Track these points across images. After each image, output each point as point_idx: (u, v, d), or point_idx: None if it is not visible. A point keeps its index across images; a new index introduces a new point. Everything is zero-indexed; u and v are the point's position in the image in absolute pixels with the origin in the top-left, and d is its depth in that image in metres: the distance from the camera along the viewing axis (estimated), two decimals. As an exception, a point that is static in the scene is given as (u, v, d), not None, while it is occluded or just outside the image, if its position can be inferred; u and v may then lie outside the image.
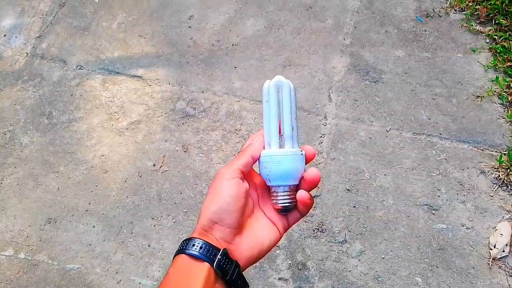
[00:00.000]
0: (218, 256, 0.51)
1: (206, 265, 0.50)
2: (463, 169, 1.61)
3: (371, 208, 1.56)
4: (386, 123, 1.73)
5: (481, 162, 1.62)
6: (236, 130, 1.75)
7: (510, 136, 1.67)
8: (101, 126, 1.79)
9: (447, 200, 1.55)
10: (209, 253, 0.50)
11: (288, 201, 0.56)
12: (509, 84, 1.77)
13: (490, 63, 1.84)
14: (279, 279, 1.45)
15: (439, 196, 1.56)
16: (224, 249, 0.52)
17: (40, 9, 2.18)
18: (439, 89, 1.80)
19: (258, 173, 0.59)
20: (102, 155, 1.72)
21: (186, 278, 0.50)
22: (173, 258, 0.52)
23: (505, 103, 1.74)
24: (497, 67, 1.83)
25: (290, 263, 1.47)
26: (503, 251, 1.44)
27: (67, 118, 1.82)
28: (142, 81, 1.91)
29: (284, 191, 0.56)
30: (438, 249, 1.47)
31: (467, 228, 1.50)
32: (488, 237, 1.48)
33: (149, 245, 1.53)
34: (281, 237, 0.58)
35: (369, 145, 1.68)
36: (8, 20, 2.15)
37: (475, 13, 2.00)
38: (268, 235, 0.57)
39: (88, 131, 1.78)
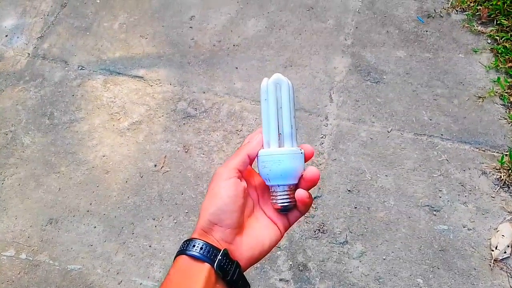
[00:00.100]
0: (219, 257, 0.50)
1: (206, 265, 0.50)
2: (464, 170, 1.61)
3: (372, 209, 1.55)
4: (387, 124, 1.73)
5: (483, 163, 1.62)
6: (237, 130, 1.75)
7: (512, 137, 1.67)
8: (103, 127, 1.79)
9: (448, 201, 1.55)
10: (210, 253, 0.50)
11: (288, 200, 0.56)
12: (511, 85, 1.77)
13: (491, 63, 1.84)
14: (280, 280, 1.45)
15: (440, 197, 1.56)
16: (225, 249, 0.51)
17: (41, 10, 2.18)
18: (440, 89, 1.80)
19: (258, 172, 0.59)
20: (103, 156, 1.72)
21: (187, 278, 0.50)
22: (174, 259, 0.52)
23: (506, 104, 1.74)
24: (498, 67, 1.82)
25: (291, 264, 1.47)
26: (505, 252, 1.43)
27: (68, 119, 1.82)
28: (144, 81, 1.91)
29: (284, 191, 0.56)
30: (440, 250, 1.47)
31: (468, 229, 1.50)
32: (490, 238, 1.47)
33: (150, 246, 1.53)
34: (282, 237, 0.58)
35: (370, 146, 1.68)
36: (10, 21, 2.15)
37: (477, 13, 1.99)
38: (269, 234, 0.56)
39: (90, 132, 1.78)
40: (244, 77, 1.89)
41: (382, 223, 1.52)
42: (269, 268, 1.47)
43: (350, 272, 1.45)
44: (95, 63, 1.98)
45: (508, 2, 1.93)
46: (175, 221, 1.57)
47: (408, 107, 1.77)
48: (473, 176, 1.59)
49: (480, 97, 1.76)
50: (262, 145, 0.57)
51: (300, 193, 0.54)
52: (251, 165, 0.60)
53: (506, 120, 1.70)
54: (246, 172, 0.59)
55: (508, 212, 1.52)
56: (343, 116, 1.76)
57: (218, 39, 2.01)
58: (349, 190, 1.59)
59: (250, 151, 0.56)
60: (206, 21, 2.08)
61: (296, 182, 0.56)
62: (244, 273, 0.54)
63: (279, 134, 0.56)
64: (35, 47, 2.05)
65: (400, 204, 1.55)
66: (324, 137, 1.71)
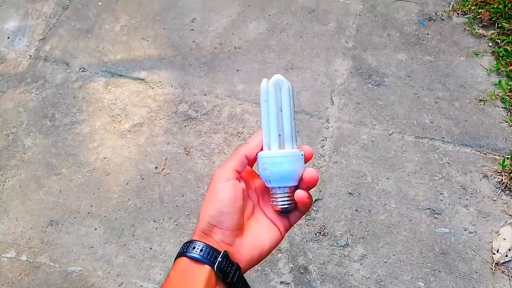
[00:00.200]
0: (219, 259, 0.50)
1: (206, 267, 0.50)
2: (465, 173, 1.60)
3: (373, 212, 1.55)
4: (388, 127, 1.73)
5: (484, 166, 1.61)
6: (238, 133, 1.75)
7: (513, 140, 1.66)
8: (104, 129, 1.80)
9: (449, 204, 1.55)
10: (210, 255, 0.50)
11: (288, 202, 0.55)
12: (512, 88, 1.77)
13: (493, 66, 1.84)
14: (281, 282, 1.45)
15: (441, 200, 1.56)
16: (225, 251, 0.51)
17: (43, 12, 2.19)
18: (441, 92, 1.80)
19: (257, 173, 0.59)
20: (105, 158, 1.72)
21: (187, 280, 0.50)
22: (174, 261, 0.52)
23: (508, 107, 1.74)
24: (500, 70, 1.82)
25: (292, 267, 1.47)
26: (506, 255, 1.43)
27: (69, 121, 1.83)
28: (145, 83, 1.91)
29: (284, 193, 0.55)
30: (441, 254, 1.46)
31: (469, 233, 1.49)
32: (491, 242, 1.47)
33: (150, 248, 1.53)
34: (282, 238, 0.58)
35: (372, 149, 1.68)
36: (12, 23, 2.16)
37: (478, 16, 1.99)
38: (269, 236, 0.56)
39: (91, 134, 1.79)
40: (245, 79, 1.89)
41: (383, 226, 1.52)
42: (269, 270, 1.47)
43: (351, 275, 1.44)
44: (96, 65, 1.98)
45: (509, 5, 1.93)
46: (175, 223, 1.57)
47: (409, 110, 1.76)
48: (474, 179, 1.59)
49: (481, 100, 1.76)
50: (262, 147, 0.57)
51: (300, 194, 0.54)
52: (251, 166, 0.60)
53: (507, 123, 1.70)
54: (246, 174, 0.59)
55: (510, 215, 1.51)
56: (344, 118, 1.76)
57: (219, 42, 2.02)
58: (350, 193, 1.59)
59: (248, 152, 0.56)
60: (208, 23, 2.08)
61: (296, 184, 0.55)
62: (244, 275, 0.54)
63: (279, 136, 0.56)
64: (37, 49, 2.05)
65: (401, 207, 1.55)
66: (325, 139, 1.71)
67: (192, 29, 2.07)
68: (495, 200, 1.54)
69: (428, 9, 2.06)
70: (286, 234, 0.59)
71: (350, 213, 1.55)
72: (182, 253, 0.51)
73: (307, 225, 1.54)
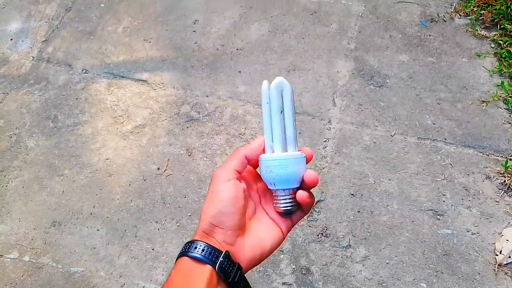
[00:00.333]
0: (220, 259, 0.50)
1: (208, 267, 0.50)
2: (468, 174, 1.60)
3: (375, 213, 1.55)
4: (390, 128, 1.73)
5: (487, 167, 1.61)
6: (240, 134, 1.75)
7: (516, 141, 1.66)
8: (106, 130, 1.80)
9: (452, 205, 1.54)
10: (211, 255, 0.50)
11: (290, 204, 0.56)
12: (515, 89, 1.77)
13: (495, 68, 1.83)
14: (283, 283, 1.45)
15: (444, 201, 1.55)
16: (226, 251, 0.51)
17: (46, 14, 2.20)
18: (444, 94, 1.80)
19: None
20: (107, 159, 1.73)
21: (188, 280, 0.50)
22: (176, 261, 0.52)
23: (510, 108, 1.73)
24: (502, 72, 1.82)
25: (294, 268, 1.47)
26: (509, 257, 1.43)
27: (72, 122, 1.83)
28: (147, 85, 1.92)
29: (287, 195, 0.56)
30: (443, 255, 1.46)
31: (472, 234, 1.49)
32: (494, 243, 1.46)
33: (153, 249, 1.53)
34: (284, 238, 0.58)
35: (374, 150, 1.68)
36: (15, 24, 2.17)
37: (480, 18, 1.99)
38: (271, 235, 0.56)
39: (93, 135, 1.79)
40: (247, 81, 1.89)
41: (385, 227, 1.52)
42: (272, 271, 1.46)
43: (353, 276, 1.44)
44: (99, 66, 1.99)
45: (512, 6, 1.93)
46: (178, 224, 1.57)
47: (411, 111, 1.76)
48: (477, 181, 1.59)
49: (484, 101, 1.76)
50: (264, 149, 0.57)
51: (302, 194, 0.54)
52: (254, 167, 0.60)
53: (510, 125, 1.70)
54: (247, 174, 0.59)
55: (512, 216, 1.51)
56: (346, 120, 1.76)
57: (221, 43, 2.02)
58: (352, 194, 1.59)
59: (247, 152, 0.56)
60: (210, 25, 2.09)
61: (298, 185, 0.56)
62: (246, 276, 0.54)
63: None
64: (39, 51, 2.06)
65: (403, 208, 1.55)
66: (327, 141, 1.71)
67: (194, 31, 2.07)
68: (497, 202, 1.54)
69: (430, 10, 2.06)
70: (288, 234, 0.59)
71: (352, 214, 1.55)
72: (184, 253, 0.51)
73: (309, 226, 1.54)
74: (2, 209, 1.64)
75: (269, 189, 0.58)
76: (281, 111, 0.56)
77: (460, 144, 1.67)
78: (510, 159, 1.60)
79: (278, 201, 0.56)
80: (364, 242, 1.50)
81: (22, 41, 2.10)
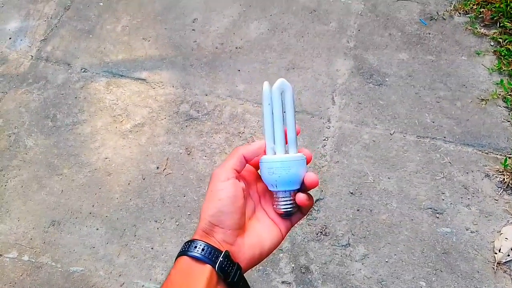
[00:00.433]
0: (220, 258, 0.50)
1: (208, 267, 0.50)
2: (467, 173, 1.60)
3: (374, 211, 1.55)
4: (390, 126, 1.73)
5: (486, 166, 1.61)
6: (239, 133, 1.75)
7: (515, 140, 1.66)
8: (105, 129, 1.80)
9: (451, 203, 1.54)
10: (211, 255, 0.50)
11: (290, 206, 0.56)
12: (514, 87, 1.77)
13: (494, 66, 1.83)
14: (282, 282, 1.45)
15: (443, 200, 1.55)
16: (226, 251, 0.51)
17: (45, 12, 2.19)
18: (443, 92, 1.80)
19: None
20: (106, 158, 1.73)
21: (188, 280, 0.50)
22: (175, 260, 0.52)
23: (509, 106, 1.73)
24: (501, 70, 1.82)
25: (293, 267, 1.47)
26: (508, 255, 1.43)
27: (71, 121, 1.83)
28: (146, 84, 1.91)
29: (288, 196, 0.56)
30: (442, 253, 1.46)
31: (471, 232, 1.49)
32: (493, 241, 1.47)
33: (152, 248, 1.53)
34: (283, 238, 0.58)
35: (373, 148, 1.68)
36: (14, 23, 2.16)
37: (480, 16, 1.99)
38: (270, 235, 0.56)
39: (92, 134, 1.79)
40: (247, 79, 1.89)
41: (384, 226, 1.52)
42: (271, 270, 1.47)
43: (353, 274, 1.44)
44: (98, 65, 1.98)
45: (511, 4, 1.93)
46: (177, 223, 1.57)
47: (410, 109, 1.76)
48: (476, 179, 1.59)
49: (483, 99, 1.76)
50: (264, 151, 0.56)
51: (301, 197, 0.54)
52: (255, 168, 0.60)
53: (509, 123, 1.70)
54: (247, 173, 0.59)
55: (511, 214, 1.51)
56: (345, 118, 1.76)
57: (220, 42, 2.02)
58: (351, 193, 1.59)
59: (246, 152, 0.56)
60: (209, 23, 2.08)
61: (299, 187, 0.56)
62: (245, 274, 0.54)
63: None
64: (38, 50, 2.06)
65: (402, 207, 1.55)
66: (326, 139, 1.71)
67: (193, 29, 2.07)
68: (497, 200, 1.54)
69: (429, 8, 2.06)
70: (287, 234, 0.59)
71: (351, 212, 1.55)
72: (184, 252, 0.51)
73: (309, 225, 1.54)
74: (1, 209, 1.63)
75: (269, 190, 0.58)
76: (283, 113, 0.56)
77: (459, 142, 1.67)
78: (509, 157, 1.60)
79: (278, 203, 0.56)
80: (363, 241, 1.50)
81: (21, 40, 2.10)
